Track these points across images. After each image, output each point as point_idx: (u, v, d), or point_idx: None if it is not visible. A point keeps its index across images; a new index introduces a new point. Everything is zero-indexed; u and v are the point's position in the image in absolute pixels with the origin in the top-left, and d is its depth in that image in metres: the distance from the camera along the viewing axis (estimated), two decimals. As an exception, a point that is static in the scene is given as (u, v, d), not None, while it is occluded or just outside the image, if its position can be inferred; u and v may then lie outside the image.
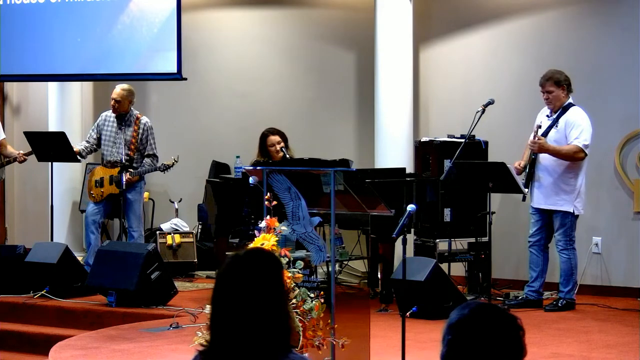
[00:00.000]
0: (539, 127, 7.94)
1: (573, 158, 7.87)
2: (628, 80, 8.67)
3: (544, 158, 7.99)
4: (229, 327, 2.74)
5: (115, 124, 9.12)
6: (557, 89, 7.95)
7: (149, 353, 6.59)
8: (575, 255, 8.01)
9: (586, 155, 7.87)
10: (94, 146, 9.28)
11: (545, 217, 8.07)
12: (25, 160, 9.47)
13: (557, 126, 7.94)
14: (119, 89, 9.14)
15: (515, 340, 2.56)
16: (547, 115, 8.05)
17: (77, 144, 9.37)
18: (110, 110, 9.17)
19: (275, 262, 2.86)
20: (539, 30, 9.23)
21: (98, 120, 9.30)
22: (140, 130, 9.05)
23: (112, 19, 9.74)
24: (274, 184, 5.56)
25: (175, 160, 8.98)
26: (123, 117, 9.10)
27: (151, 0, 9.62)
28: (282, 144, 8.43)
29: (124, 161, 8.97)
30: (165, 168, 8.99)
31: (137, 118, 9.09)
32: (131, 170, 8.97)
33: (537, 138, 7.88)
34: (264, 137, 8.55)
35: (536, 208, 8.09)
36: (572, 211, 7.93)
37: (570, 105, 7.98)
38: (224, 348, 2.76)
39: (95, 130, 9.24)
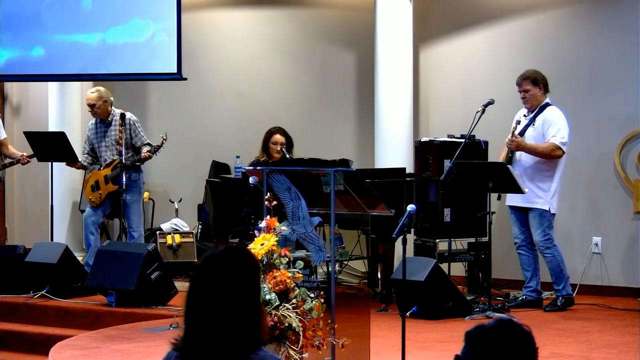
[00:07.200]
0: (518, 122, 7.99)
1: (550, 156, 7.90)
2: (628, 80, 8.67)
3: (520, 156, 8.02)
4: (202, 322, 2.80)
5: (101, 129, 9.09)
6: (533, 87, 8.00)
7: (149, 353, 6.58)
8: (558, 252, 8.00)
9: (564, 152, 7.90)
10: (91, 157, 9.23)
11: (523, 216, 8.08)
12: (28, 162, 9.47)
13: (534, 124, 7.98)
14: (89, 92, 9.13)
15: (528, 355, 2.60)
16: (525, 115, 8.09)
17: (80, 158, 9.27)
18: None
19: (251, 261, 2.91)
20: (539, 30, 9.23)
21: (87, 132, 9.27)
22: (125, 127, 8.99)
23: (112, 19, 9.74)
24: (274, 184, 5.56)
25: (164, 139, 8.87)
26: (107, 120, 9.07)
27: (151, 0, 9.62)
28: (284, 145, 8.45)
29: (123, 161, 8.94)
30: (156, 149, 8.89)
31: (121, 115, 9.02)
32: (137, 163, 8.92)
33: (514, 136, 7.91)
34: (270, 134, 8.59)
35: (512, 207, 8.12)
36: (547, 209, 7.94)
37: (547, 104, 8.03)
38: (197, 342, 2.81)
39: (88, 142, 9.22)
